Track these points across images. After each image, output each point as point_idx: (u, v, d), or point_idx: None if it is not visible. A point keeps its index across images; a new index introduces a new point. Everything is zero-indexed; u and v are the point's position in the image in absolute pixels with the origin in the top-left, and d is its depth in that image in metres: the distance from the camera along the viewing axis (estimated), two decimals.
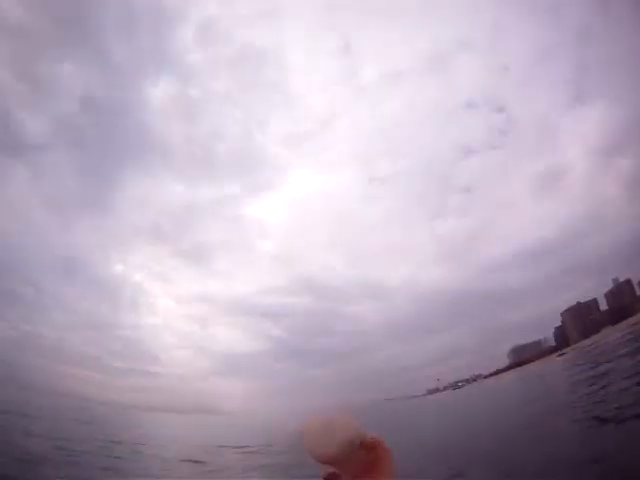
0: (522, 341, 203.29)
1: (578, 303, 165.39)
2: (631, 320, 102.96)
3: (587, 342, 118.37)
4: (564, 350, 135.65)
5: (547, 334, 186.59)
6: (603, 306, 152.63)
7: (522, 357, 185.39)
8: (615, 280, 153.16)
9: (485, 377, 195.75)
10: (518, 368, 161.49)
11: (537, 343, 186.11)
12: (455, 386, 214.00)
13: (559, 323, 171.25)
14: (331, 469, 0.63)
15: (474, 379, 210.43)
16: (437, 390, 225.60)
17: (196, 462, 11.76)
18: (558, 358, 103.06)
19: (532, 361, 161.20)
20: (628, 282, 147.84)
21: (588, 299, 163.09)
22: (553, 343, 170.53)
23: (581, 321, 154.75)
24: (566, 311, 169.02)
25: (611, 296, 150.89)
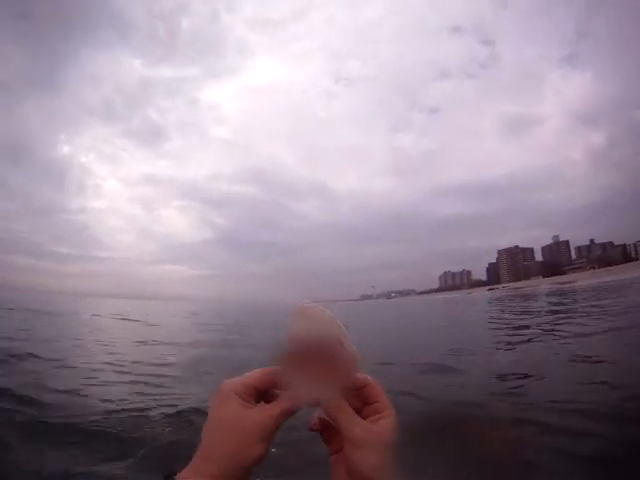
0: (456, 268, 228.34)
1: (516, 247, 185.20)
2: (560, 278, 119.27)
3: (517, 284, 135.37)
4: (494, 286, 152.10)
5: (480, 267, 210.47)
6: (538, 257, 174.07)
7: (452, 283, 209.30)
8: (555, 238, 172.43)
9: (418, 293, 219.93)
10: (448, 292, 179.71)
11: (468, 273, 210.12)
12: (388, 296, 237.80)
13: (494, 260, 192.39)
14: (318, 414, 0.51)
15: (407, 293, 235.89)
16: (370, 297, 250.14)
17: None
18: (487, 292, 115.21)
19: (461, 288, 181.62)
20: (566, 243, 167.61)
21: (526, 246, 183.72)
22: (484, 277, 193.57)
23: (515, 264, 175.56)
24: (503, 250, 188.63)
25: (548, 251, 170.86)
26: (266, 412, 0.48)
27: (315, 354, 0.47)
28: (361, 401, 0.51)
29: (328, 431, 0.52)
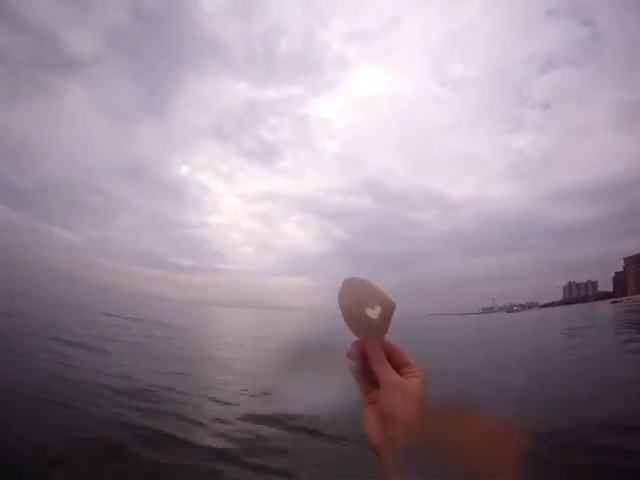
0: (581, 278, 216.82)
1: None
2: None
3: None
4: (618, 299, 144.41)
5: (607, 277, 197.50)
6: None
7: (577, 295, 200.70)
8: None
9: (540, 306, 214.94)
10: (572, 305, 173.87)
11: (594, 283, 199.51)
12: (510, 309, 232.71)
13: (620, 268, 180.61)
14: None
15: (529, 306, 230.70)
16: (491, 310, 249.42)
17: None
18: (611, 305, 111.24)
19: (586, 301, 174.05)
20: None
21: None
22: (611, 288, 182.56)
23: None
24: (630, 258, 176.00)
25: None
26: None
27: (351, 317, 0.60)
28: (394, 366, 0.61)
29: (365, 383, 0.63)
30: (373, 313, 0.59)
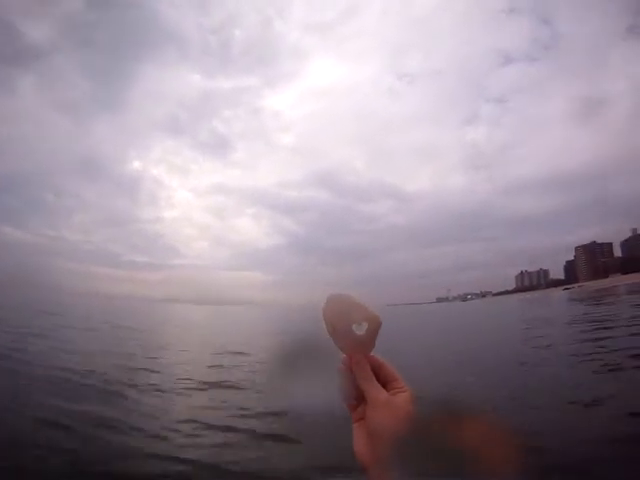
0: (533, 267, 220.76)
1: (593, 242, 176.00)
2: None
3: (593, 283, 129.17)
4: (570, 285, 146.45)
5: (558, 266, 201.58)
6: (618, 252, 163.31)
7: (529, 283, 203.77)
8: (634, 231, 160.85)
9: (494, 295, 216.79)
10: (525, 293, 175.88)
11: (545, 272, 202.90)
12: (464, 298, 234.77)
13: (571, 257, 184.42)
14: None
15: (483, 295, 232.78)
16: (446, 300, 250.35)
17: None
18: (563, 291, 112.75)
19: (538, 289, 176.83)
20: None
21: (604, 241, 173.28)
22: (562, 276, 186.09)
23: (593, 261, 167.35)
24: (581, 247, 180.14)
25: (627, 245, 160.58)
26: None
27: (337, 334, 0.57)
28: (380, 381, 0.59)
29: (352, 399, 0.61)
30: (359, 329, 0.57)
